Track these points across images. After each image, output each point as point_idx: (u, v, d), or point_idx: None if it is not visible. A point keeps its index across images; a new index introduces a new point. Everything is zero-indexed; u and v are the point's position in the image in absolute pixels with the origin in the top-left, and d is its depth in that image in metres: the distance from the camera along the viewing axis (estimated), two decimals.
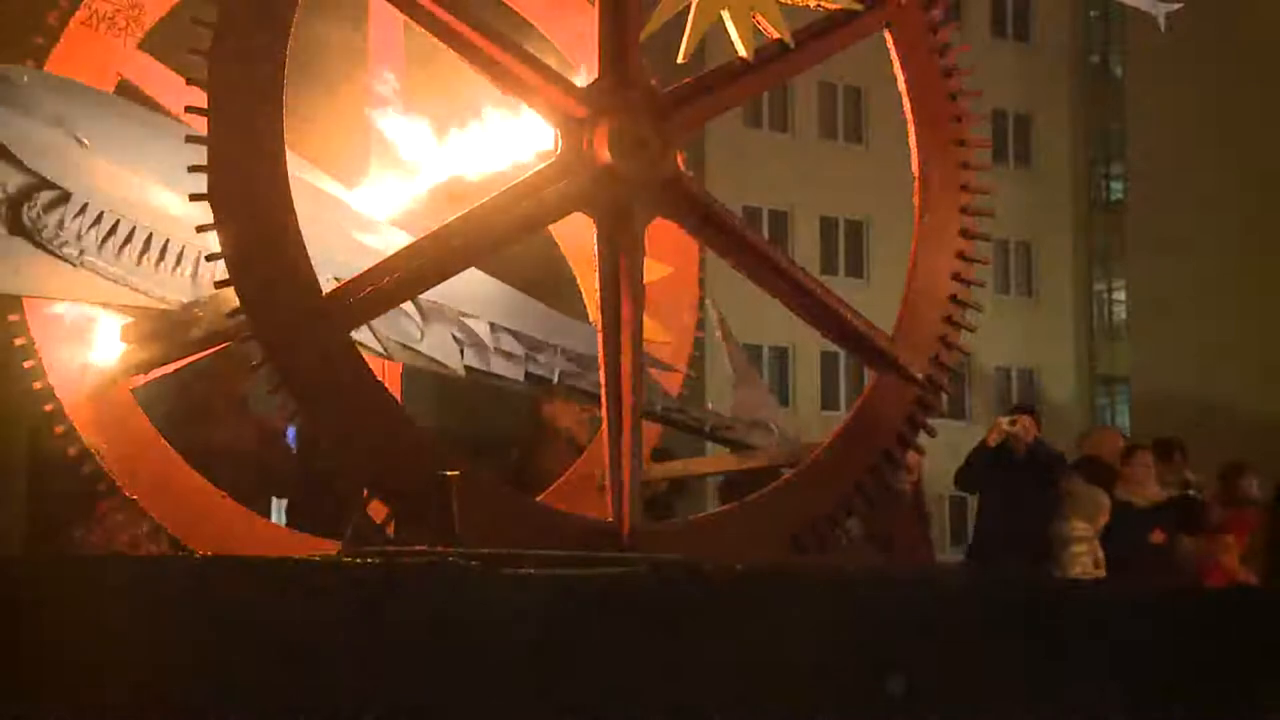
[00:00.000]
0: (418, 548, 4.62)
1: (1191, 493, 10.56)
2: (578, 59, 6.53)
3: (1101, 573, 9.16)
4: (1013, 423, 10.25)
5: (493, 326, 6.41)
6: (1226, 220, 33.77)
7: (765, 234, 32.15)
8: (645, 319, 5.69)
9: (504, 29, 5.59)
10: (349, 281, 5.26)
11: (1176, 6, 9.95)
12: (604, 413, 5.46)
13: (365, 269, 5.31)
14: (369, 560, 4.14)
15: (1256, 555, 10.31)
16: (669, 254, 6.89)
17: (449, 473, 4.98)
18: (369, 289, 5.21)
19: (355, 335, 5.39)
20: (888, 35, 5.95)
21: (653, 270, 5.98)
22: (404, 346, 6.14)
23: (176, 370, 6.45)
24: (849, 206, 33.72)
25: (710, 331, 8.01)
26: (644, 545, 5.20)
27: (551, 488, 7.03)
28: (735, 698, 4.05)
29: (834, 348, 6.49)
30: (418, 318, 6.17)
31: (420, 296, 5.94)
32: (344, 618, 3.76)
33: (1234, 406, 31.01)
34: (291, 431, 7.20)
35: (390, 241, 6.22)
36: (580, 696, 3.91)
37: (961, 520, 24.33)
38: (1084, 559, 9.14)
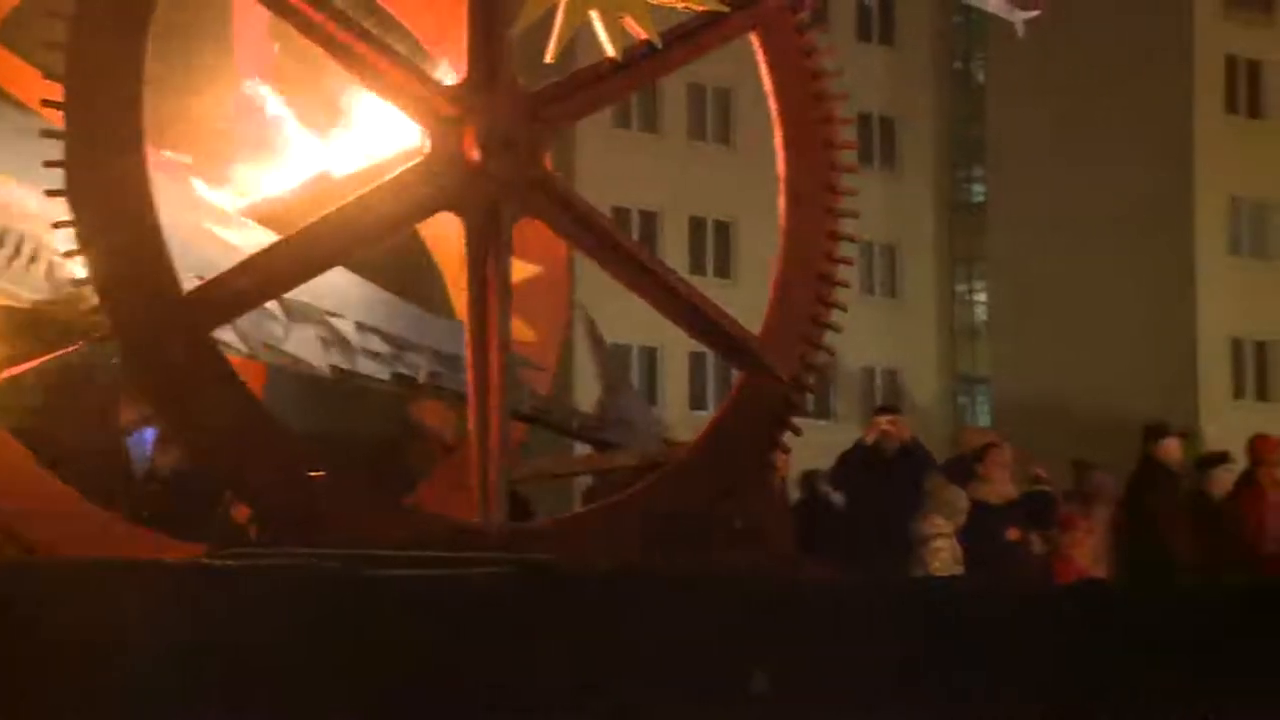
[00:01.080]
0: (281, 550, 4.57)
1: (1044, 489, 10.78)
2: (446, 58, 6.50)
3: (960, 569, 9.32)
4: (891, 421, 10.41)
5: (359, 326, 6.36)
6: (1083, 223, 34.54)
7: (634, 234, 32.12)
8: (513, 319, 5.68)
9: (372, 27, 5.55)
10: (211, 280, 5.18)
11: (1034, 14, 10.19)
12: (471, 412, 5.44)
13: (228, 267, 5.24)
14: (231, 562, 4.09)
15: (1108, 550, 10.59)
16: (537, 254, 6.89)
17: (313, 474, 4.93)
18: (231, 288, 5.14)
19: (217, 334, 5.31)
20: (755, 37, 5.99)
21: (521, 270, 5.99)
22: (268, 346, 6.07)
23: (40, 367, 6.31)
24: (718, 207, 33.93)
25: (578, 331, 8.02)
26: (512, 545, 5.19)
27: (419, 488, 6.99)
28: (601, 695, 4.06)
29: (702, 348, 6.54)
30: (282, 317, 6.10)
31: (285, 296, 5.87)
32: (207, 620, 3.71)
33: (1091, 405, 31.74)
34: (150, 433, 7.07)
35: (254, 239, 6.14)
36: (446, 695, 3.89)
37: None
38: (944, 555, 9.28)
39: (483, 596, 4.23)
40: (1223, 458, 11.49)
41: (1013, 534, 10.10)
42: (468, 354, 5.44)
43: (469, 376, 5.43)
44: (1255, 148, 33.95)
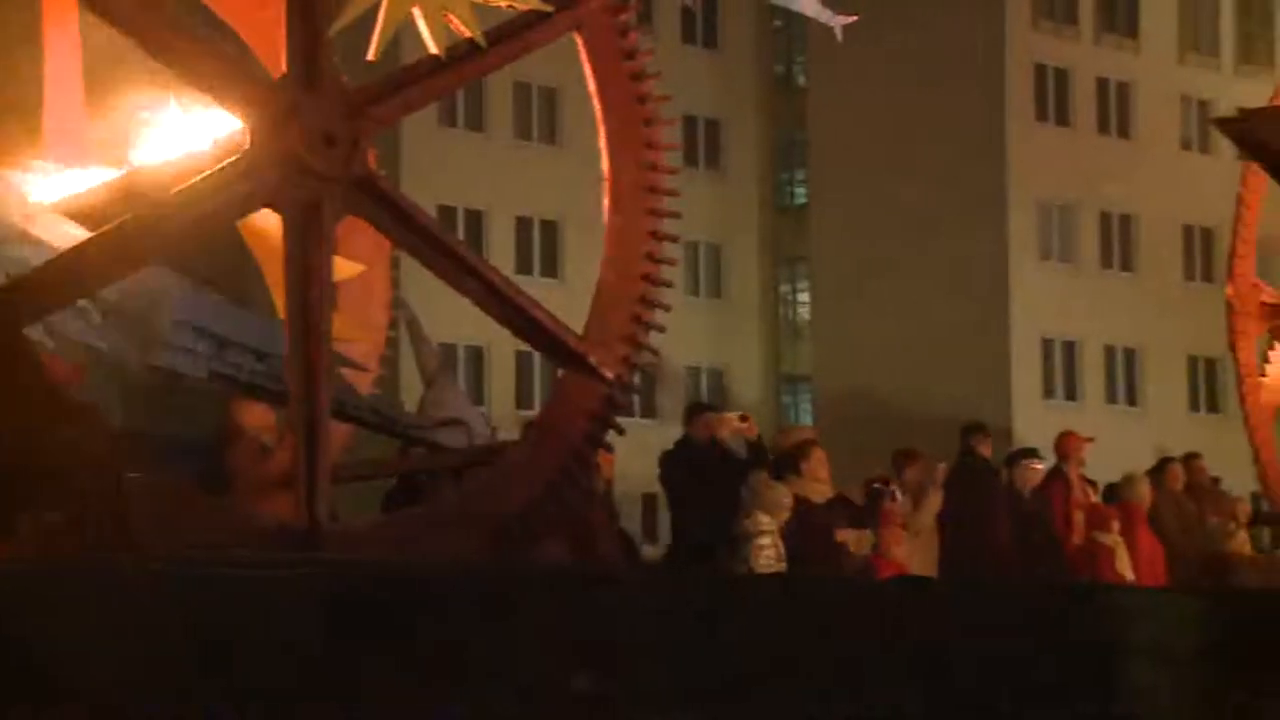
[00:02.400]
0: (95, 550, 4.48)
1: (877, 486, 10.90)
2: (267, 54, 6.41)
3: (783, 566, 9.41)
4: (743, 419, 10.52)
5: (176, 324, 6.23)
6: (903, 224, 35.30)
7: (460, 233, 31.89)
8: (336, 317, 5.64)
9: (195, 23, 5.46)
10: (22, 277, 5.06)
11: (851, 19, 10.41)
12: (292, 412, 5.38)
13: (40, 264, 5.12)
14: (44, 562, 3.99)
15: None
16: (360, 252, 6.83)
17: (130, 473, 4.84)
18: (43, 285, 5.02)
19: (30, 332, 5.18)
20: (578, 38, 6.03)
21: (343, 268, 5.94)
22: (82, 344, 5.93)
23: None
24: (544, 207, 33.92)
25: (403, 330, 7.97)
26: (334, 545, 5.15)
27: (240, 487, 6.88)
28: (424, 696, 4.05)
29: (529, 347, 6.55)
30: (96, 315, 5.96)
31: (100, 293, 5.75)
32: (15, 622, 3.62)
33: (909, 403, 32.44)
34: None
35: (68, 235, 6.00)
36: (265, 696, 3.85)
37: (653, 518, 24.77)
38: (768, 553, 9.37)
39: (304, 597, 4.19)
40: (1030, 453, 11.82)
41: (841, 532, 10.25)
42: (289, 353, 5.38)
43: (290, 376, 5.37)
44: (1064, 154, 35.04)
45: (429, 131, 31.17)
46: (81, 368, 6.27)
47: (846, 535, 10.31)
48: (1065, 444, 11.83)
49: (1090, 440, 11.91)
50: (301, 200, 5.41)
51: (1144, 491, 11.91)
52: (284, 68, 5.50)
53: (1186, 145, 36.51)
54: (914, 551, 10.55)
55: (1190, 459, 12.87)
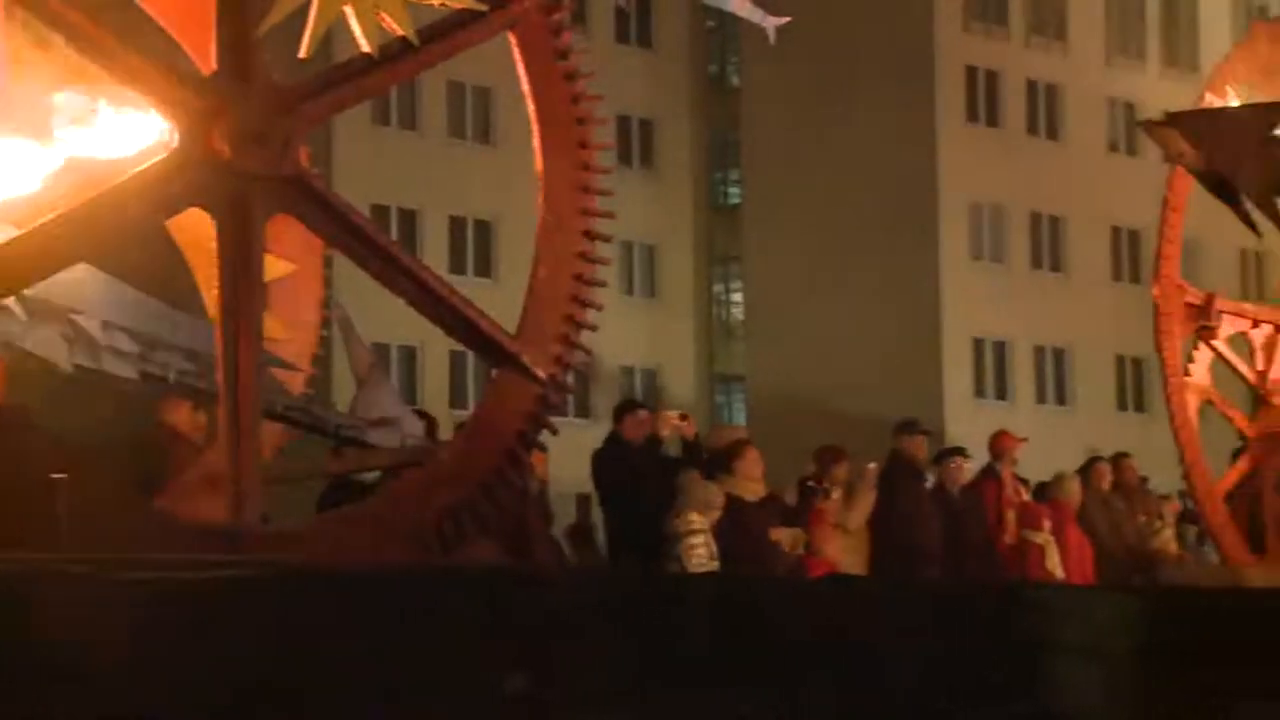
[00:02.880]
0: (20, 553, 4.42)
1: (810, 484, 10.94)
2: (198, 52, 6.35)
3: (716, 564, 9.43)
4: (683, 417, 10.54)
5: (104, 324, 6.17)
6: (835, 225, 35.50)
7: (394, 233, 31.68)
8: (267, 317, 5.60)
9: (123, 21, 5.40)
10: None
11: (784, 21, 10.46)
12: (223, 413, 5.34)
13: None
14: None
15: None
16: (292, 251, 6.78)
17: (56, 476, 4.78)
18: None
19: None
20: (512, 37, 6.02)
21: (275, 267, 5.90)
22: (7, 344, 5.85)
23: None
24: (478, 206, 33.81)
25: (335, 330, 7.92)
26: (264, 547, 5.11)
27: (170, 490, 6.82)
28: (359, 697, 4.03)
29: (462, 346, 6.53)
30: (22, 314, 5.88)
31: (25, 292, 5.67)
32: None
33: (842, 403, 32.61)
34: None
35: None
36: (197, 700, 3.82)
37: (587, 518, 24.76)
38: (700, 551, 9.38)
39: (235, 599, 4.15)
40: (959, 452, 11.91)
41: (775, 531, 10.27)
42: (219, 353, 5.33)
43: (220, 376, 5.33)
44: (994, 155, 35.35)
45: (362, 130, 31.00)
46: (5, 367, 6.19)
47: (780, 534, 10.35)
48: (998, 443, 11.93)
49: (1023, 440, 12.02)
50: (231, 199, 5.37)
51: (1074, 490, 12.03)
52: (214, 65, 5.46)
53: (1114, 147, 36.95)
54: (846, 550, 10.61)
55: (1119, 458, 13.03)
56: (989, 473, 11.83)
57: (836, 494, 10.79)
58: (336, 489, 8.32)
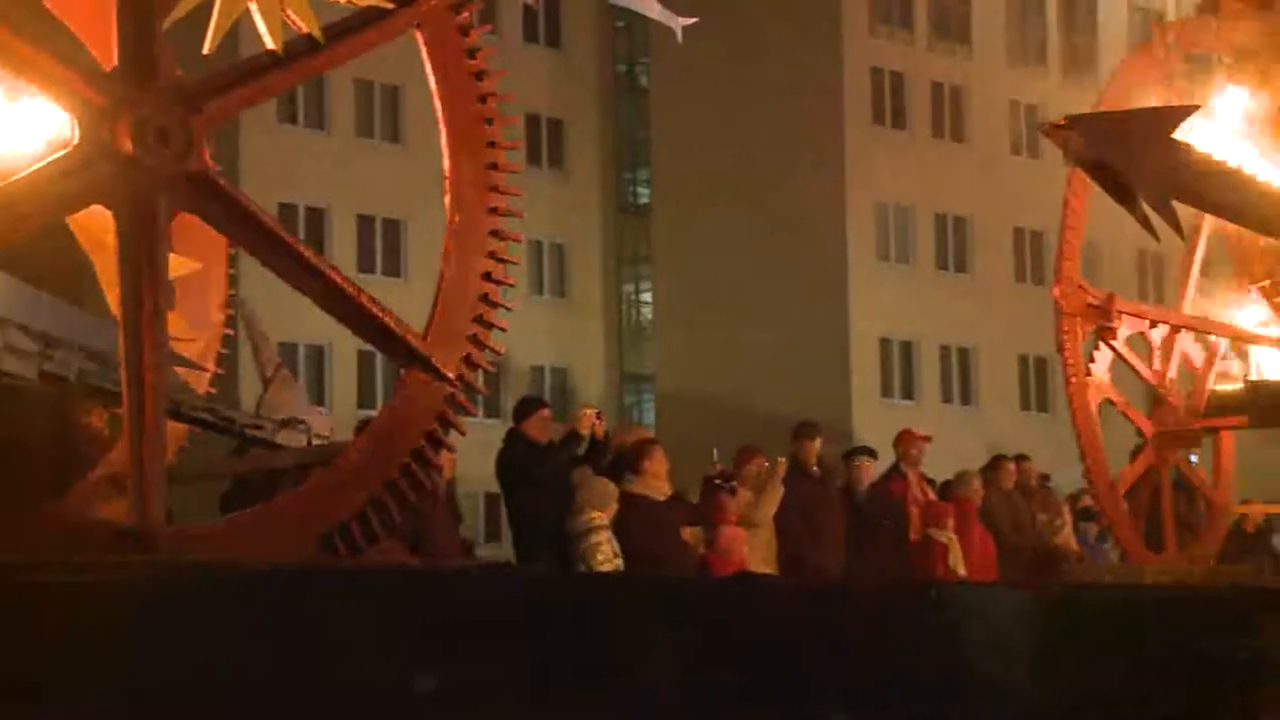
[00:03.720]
0: None
1: (719, 483, 10.97)
2: (97, 46, 6.27)
3: (620, 563, 9.43)
4: (599, 415, 10.54)
5: (2, 322, 6.07)
6: (744, 224, 35.67)
7: (301, 231, 31.25)
8: (171, 316, 5.54)
9: (22, 15, 5.32)
10: None
11: (692, 21, 10.51)
12: (126, 413, 5.27)
13: None
14: None
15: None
16: (197, 249, 6.72)
17: None
18: None
19: None
20: (419, 35, 5.99)
21: (179, 266, 5.84)
22: None
23: None
24: (387, 205, 33.60)
25: (241, 329, 7.86)
26: (169, 547, 5.05)
27: (73, 490, 6.72)
28: (265, 695, 4.01)
29: (371, 346, 6.50)
30: None
31: None
32: None
33: (751, 403, 32.77)
34: None
35: None
36: (104, 698, 3.78)
37: (496, 518, 24.68)
38: (603, 549, 9.37)
39: (141, 599, 4.12)
40: (864, 451, 12.01)
41: (684, 531, 10.30)
42: (122, 352, 5.27)
43: (123, 375, 5.26)
44: (900, 157, 35.71)
45: (269, 128, 30.71)
46: None
47: (689, 533, 10.38)
48: (904, 442, 12.05)
49: (928, 439, 12.15)
50: (134, 197, 5.30)
51: (977, 488, 12.19)
52: (116, 61, 5.39)
53: (1016, 150, 37.43)
54: (756, 548, 10.66)
55: (1019, 459, 13.20)
56: (895, 472, 11.94)
57: (745, 490, 10.85)
58: (240, 489, 8.25)
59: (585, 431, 10.32)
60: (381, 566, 5.28)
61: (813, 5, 35.35)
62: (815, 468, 11.40)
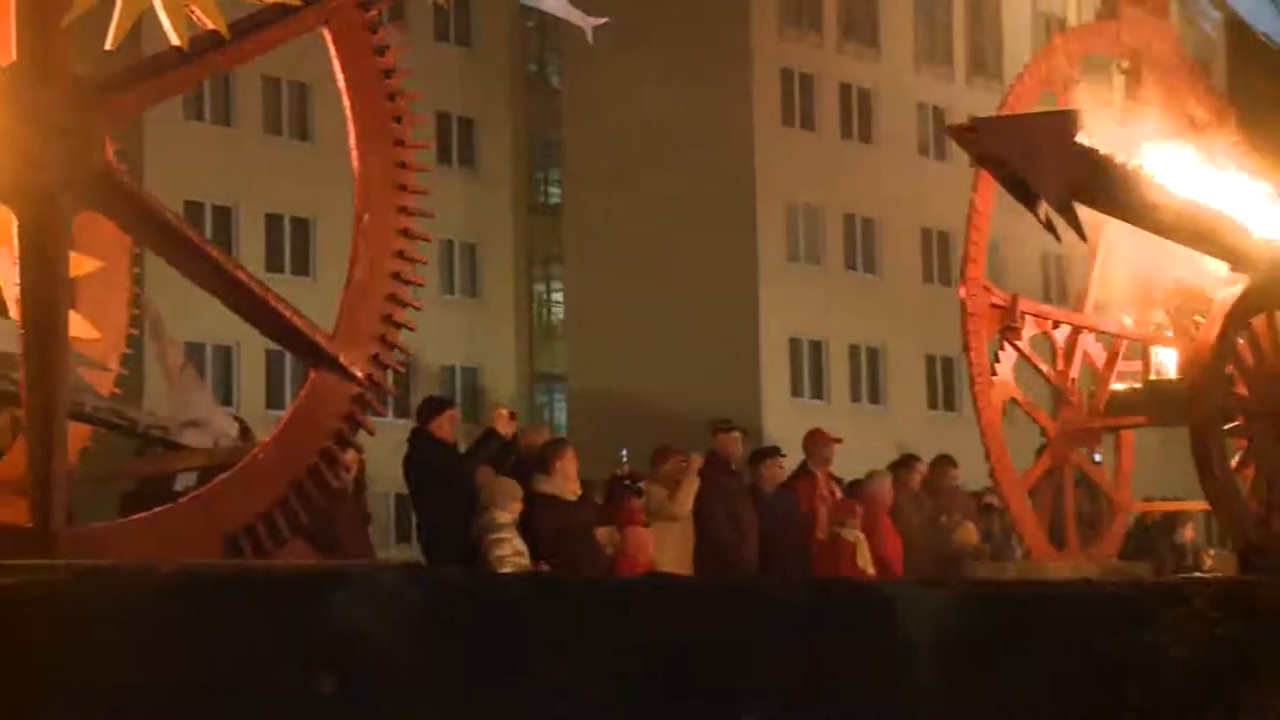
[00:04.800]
0: None
1: (628, 484, 11.01)
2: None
3: (526, 562, 9.44)
4: (512, 415, 10.53)
5: None
6: (656, 224, 35.77)
7: (208, 230, 30.90)
8: (73, 316, 5.46)
9: None
10: None
11: (602, 21, 10.52)
12: (27, 414, 5.20)
13: None
14: None
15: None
16: (100, 248, 6.62)
17: None
18: None
19: None
20: (327, 33, 5.95)
21: (81, 265, 5.75)
22: None
23: None
24: (295, 204, 33.33)
25: (146, 329, 7.75)
26: (70, 549, 4.99)
27: None
28: (165, 701, 3.97)
29: (278, 346, 6.44)
30: None
31: None
32: None
33: (662, 403, 32.88)
34: None
35: None
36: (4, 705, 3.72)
37: (406, 517, 24.57)
38: (507, 548, 9.38)
39: (42, 603, 4.06)
40: (774, 451, 12.09)
41: (601, 534, 10.31)
42: (22, 353, 5.19)
43: (23, 376, 5.19)
44: (810, 158, 35.97)
45: (174, 125, 30.33)
46: None
47: (602, 533, 10.40)
48: (813, 442, 12.13)
49: (839, 440, 12.23)
50: (34, 195, 5.22)
51: (885, 487, 12.31)
52: (14, 57, 5.31)
53: (924, 151, 37.83)
54: (671, 542, 10.70)
55: (941, 460, 13.34)
56: (803, 471, 12.03)
57: (658, 489, 10.90)
58: (141, 490, 8.15)
59: (504, 430, 10.35)
60: (288, 568, 5.24)
61: (722, 6, 35.52)
62: (733, 462, 11.48)
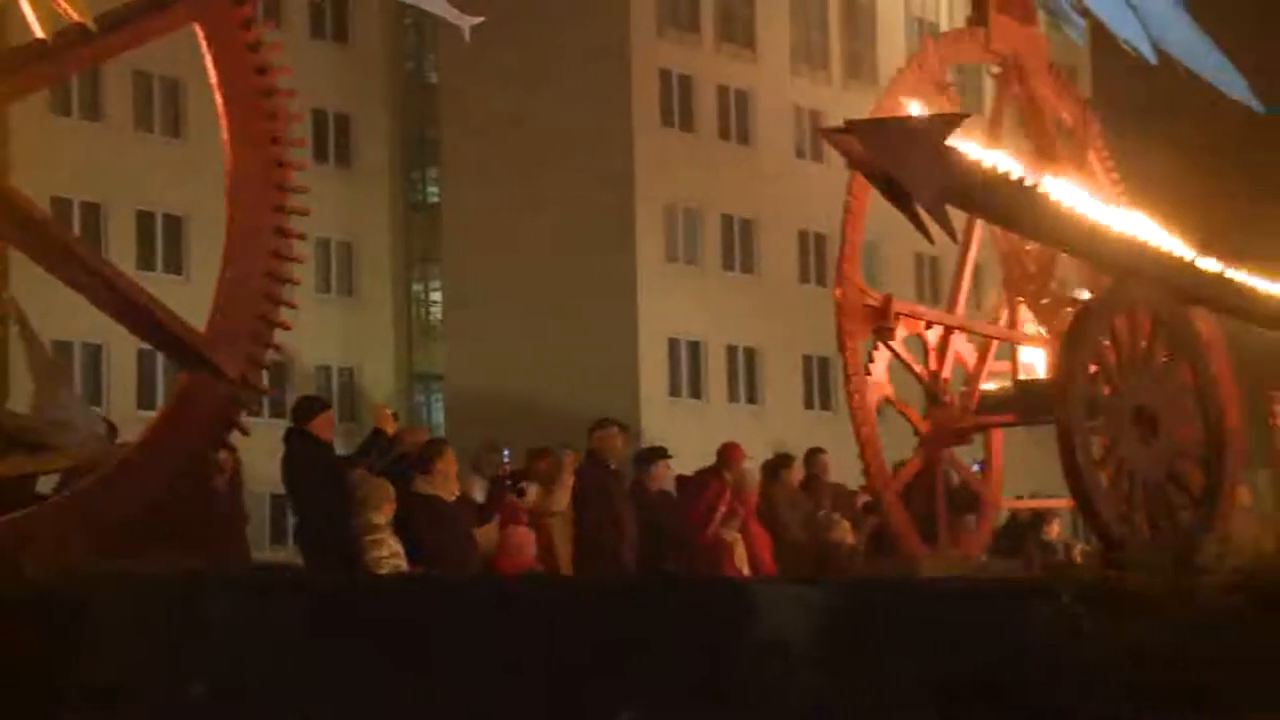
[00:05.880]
0: None
1: (509, 483, 10.97)
2: None
3: (403, 563, 9.38)
4: (395, 416, 10.44)
5: None
6: (535, 223, 35.66)
7: (76, 227, 30.31)
8: None
9: None
10: None
11: (479, 20, 10.48)
12: None
13: None
14: None
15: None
16: None
17: None
18: None
19: None
20: (198, 28, 5.88)
21: None
22: None
23: None
24: (167, 201, 32.74)
25: (11, 328, 7.60)
26: None
27: None
28: (32, 708, 3.90)
29: (150, 345, 6.35)
30: None
31: None
32: None
33: (541, 402, 32.80)
34: None
35: None
36: None
37: (282, 518, 24.26)
38: (384, 549, 9.32)
39: None
40: (663, 452, 12.10)
41: (483, 532, 10.26)
42: None
43: None
44: (688, 159, 36.12)
45: (40, 120, 29.68)
46: None
47: (481, 532, 10.37)
48: (728, 454, 12.14)
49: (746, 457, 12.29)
50: None
51: (755, 486, 12.40)
52: None
53: (801, 153, 38.16)
54: (551, 543, 10.69)
55: (814, 454, 13.44)
56: (714, 473, 12.00)
57: (533, 491, 10.88)
58: (2, 492, 7.97)
59: (390, 430, 10.29)
60: (160, 571, 5.16)
61: (601, 6, 35.55)
62: (614, 460, 11.49)
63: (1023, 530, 14.52)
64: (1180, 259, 10.67)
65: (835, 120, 9.41)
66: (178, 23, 5.79)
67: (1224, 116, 16.89)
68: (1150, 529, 10.32)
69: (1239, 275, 11.20)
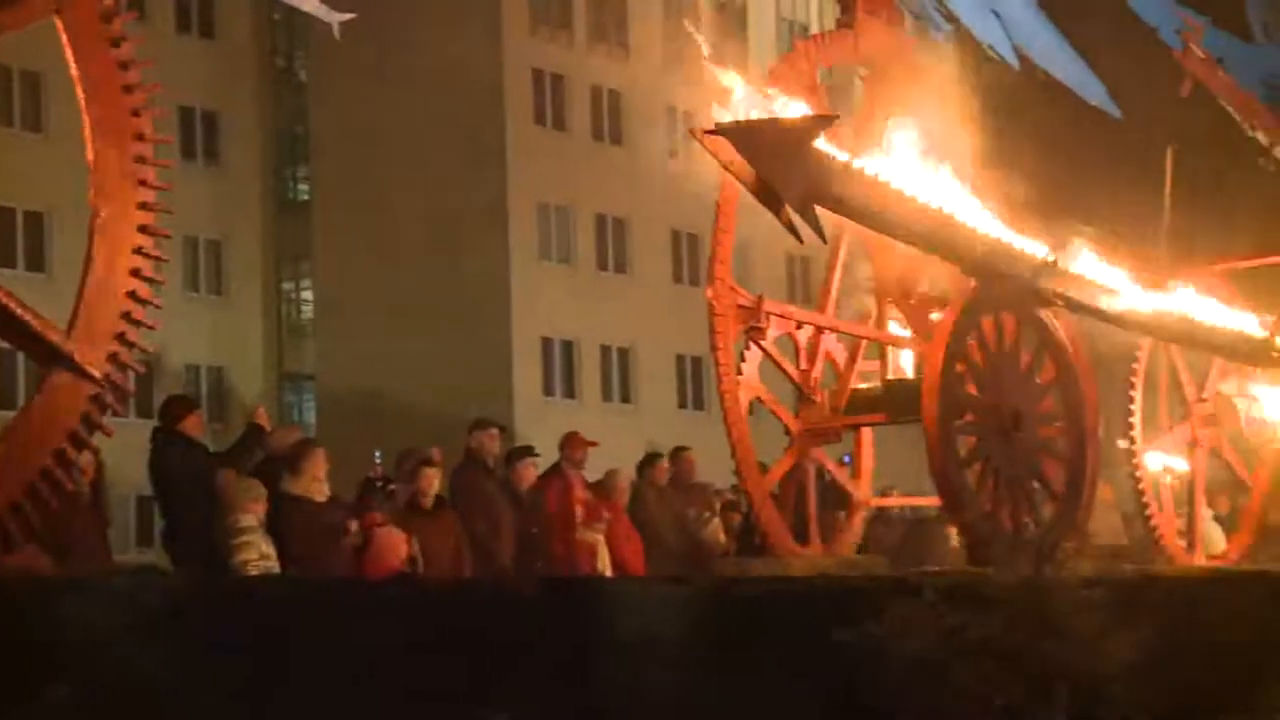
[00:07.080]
0: None
1: (379, 484, 10.90)
2: None
3: (274, 565, 9.28)
4: (264, 416, 10.32)
5: None
6: (407, 222, 35.40)
7: None
8: None
9: None
10: None
11: (350, 17, 10.41)
12: None
13: None
14: None
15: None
16: None
17: None
18: None
19: None
20: (58, 22, 5.77)
21: None
22: None
23: None
24: (28, 197, 32.04)
25: None
26: None
27: None
28: None
29: (9, 344, 6.22)
30: None
31: None
32: None
33: (414, 402, 32.58)
34: None
35: None
36: None
37: (148, 520, 23.84)
38: (253, 551, 9.22)
39: None
40: (527, 451, 12.10)
41: (349, 533, 10.18)
42: None
43: None
44: (561, 158, 36.12)
45: None
46: None
47: (350, 535, 10.29)
48: (569, 445, 12.16)
49: (594, 444, 12.28)
50: None
51: (623, 487, 12.44)
52: None
53: (673, 153, 38.37)
54: (430, 543, 10.63)
55: (678, 452, 13.51)
56: (556, 472, 12.05)
57: (406, 490, 10.83)
58: None
59: (269, 428, 10.19)
60: (20, 574, 5.07)
61: (473, 4, 35.42)
62: (484, 464, 11.47)
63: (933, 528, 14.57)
64: (1041, 260, 10.91)
65: (708, 121, 9.46)
66: (36, 16, 5.67)
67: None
68: (1013, 525, 10.53)
69: (1096, 275, 11.50)
